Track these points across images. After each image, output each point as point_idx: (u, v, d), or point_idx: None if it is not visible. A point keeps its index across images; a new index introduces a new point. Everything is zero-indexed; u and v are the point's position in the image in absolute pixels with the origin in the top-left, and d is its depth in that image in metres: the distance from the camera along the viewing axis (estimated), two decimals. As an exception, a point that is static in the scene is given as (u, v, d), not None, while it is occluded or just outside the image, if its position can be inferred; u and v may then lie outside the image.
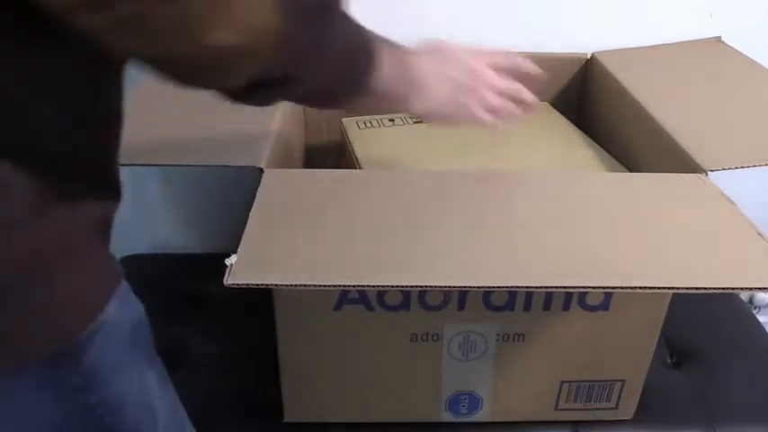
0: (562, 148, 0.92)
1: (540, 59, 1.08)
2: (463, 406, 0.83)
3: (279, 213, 0.63)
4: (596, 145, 0.92)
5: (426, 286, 0.56)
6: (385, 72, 0.58)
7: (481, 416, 0.84)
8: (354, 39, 0.55)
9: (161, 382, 0.60)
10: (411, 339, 0.76)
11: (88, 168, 0.48)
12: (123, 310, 0.52)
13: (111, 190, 0.51)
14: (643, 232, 0.63)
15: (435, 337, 0.76)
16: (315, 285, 0.54)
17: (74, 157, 0.47)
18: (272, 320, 0.75)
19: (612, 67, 1.00)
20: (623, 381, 0.81)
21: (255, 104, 0.52)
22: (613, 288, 0.55)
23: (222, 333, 0.98)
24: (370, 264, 0.57)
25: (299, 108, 0.99)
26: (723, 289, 0.56)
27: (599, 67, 1.03)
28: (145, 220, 1.12)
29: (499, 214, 0.65)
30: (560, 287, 0.56)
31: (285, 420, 0.84)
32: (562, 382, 0.81)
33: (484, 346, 0.77)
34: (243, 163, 0.70)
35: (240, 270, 0.55)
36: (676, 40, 1.06)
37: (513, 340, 0.77)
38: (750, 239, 0.61)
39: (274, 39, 0.42)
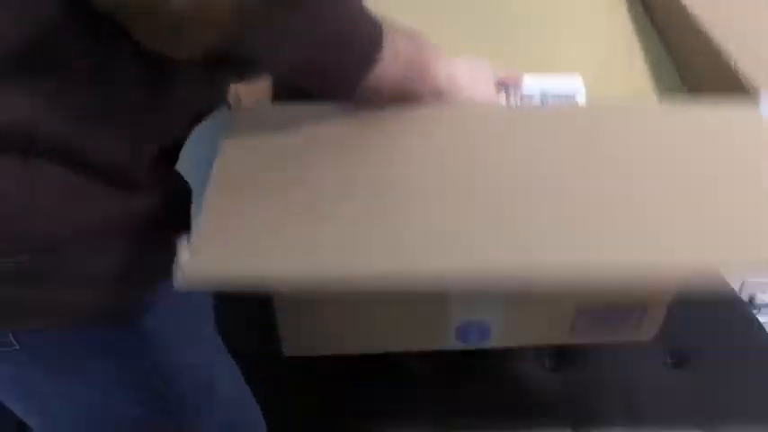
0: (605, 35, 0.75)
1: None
2: (473, 334, 0.79)
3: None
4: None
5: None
6: (394, 63, 0.50)
7: (492, 343, 0.80)
8: (352, 23, 0.49)
9: (222, 358, 0.62)
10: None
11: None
12: None
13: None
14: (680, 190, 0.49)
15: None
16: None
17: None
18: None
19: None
20: (645, 308, 0.76)
21: (232, 80, 0.53)
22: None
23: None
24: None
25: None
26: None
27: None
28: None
29: (517, 172, 0.50)
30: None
31: (286, 355, 0.79)
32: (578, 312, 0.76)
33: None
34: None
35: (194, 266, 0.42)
36: None
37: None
38: None
39: (230, 12, 0.40)
